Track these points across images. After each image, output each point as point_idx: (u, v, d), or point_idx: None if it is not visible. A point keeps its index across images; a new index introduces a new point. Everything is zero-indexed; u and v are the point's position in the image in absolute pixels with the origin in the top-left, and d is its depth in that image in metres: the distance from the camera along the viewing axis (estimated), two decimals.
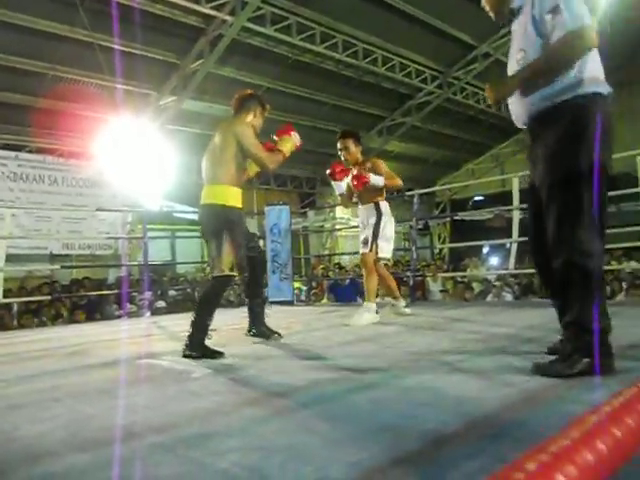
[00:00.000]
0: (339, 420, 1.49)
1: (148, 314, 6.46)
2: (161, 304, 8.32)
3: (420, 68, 11.54)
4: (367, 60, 10.55)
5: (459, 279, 8.63)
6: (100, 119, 8.97)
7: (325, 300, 8.82)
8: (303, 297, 8.72)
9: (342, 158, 4.28)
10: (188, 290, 10.21)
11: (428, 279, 8.54)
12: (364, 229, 4.30)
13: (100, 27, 7.71)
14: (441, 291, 8.59)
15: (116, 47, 7.89)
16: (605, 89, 1.93)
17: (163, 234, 11.95)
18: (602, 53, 1.96)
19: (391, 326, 3.79)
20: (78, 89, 8.81)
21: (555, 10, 1.89)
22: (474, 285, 8.40)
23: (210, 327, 2.88)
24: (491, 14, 2.20)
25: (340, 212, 15.79)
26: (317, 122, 12.24)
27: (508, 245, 8.72)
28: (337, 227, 13.87)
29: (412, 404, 1.62)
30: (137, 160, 9.46)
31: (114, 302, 8.11)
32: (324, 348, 2.90)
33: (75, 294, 8.29)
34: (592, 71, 1.92)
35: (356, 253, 11.72)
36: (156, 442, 1.40)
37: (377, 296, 4.54)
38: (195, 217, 11.63)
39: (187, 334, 2.85)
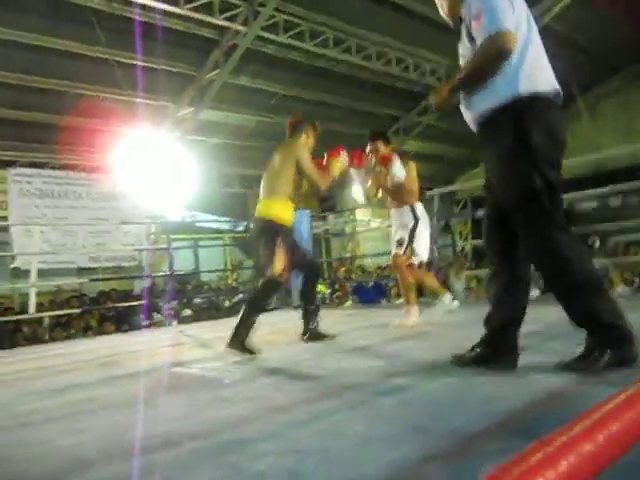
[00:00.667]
0: (371, 422, 1.53)
1: (175, 323, 6.55)
2: (187, 312, 8.44)
3: (433, 66, 11.52)
4: (381, 61, 10.57)
5: (483, 276, 8.57)
6: (120, 133, 9.14)
7: (349, 302, 8.84)
8: (327, 300, 8.87)
9: (372, 160, 4.24)
10: (212, 298, 10.35)
11: (451, 277, 8.50)
12: (399, 229, 4.23)
13: (117, 43, 7.88)
14: (465, 289, 8.55)
15: (134, 62, 8.06)
16: (546, 88, 1.93)
17: (186, 244, 12.10)
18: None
19: (416, 327, 3.80)
20: (98, 105, 8.98)
21: (477, 16, 1.92)
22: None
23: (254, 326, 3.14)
24: (448, 20, 2.24)
25: (360, 215, 15.81)
26: (333, 125, 12.27)
27: None
28: (358, 229, 13.91)
29: (439, 405, 1.65)
30: (157, 171, 9.63)
31: (141, 312, 8.24)
32: (350, 351, 2.94)
33: (103, 306, 8.45)
34: (530, 72, 1.91)
35: (379, 255, 11.76)
36: (193, 449, 1.45)
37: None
38: (217, 225, 11.80)
39: (234, 328, 3.11)
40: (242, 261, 14.00)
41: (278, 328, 4.17)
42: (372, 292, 8.97)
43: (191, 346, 4.18)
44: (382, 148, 4.20)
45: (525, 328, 2.11)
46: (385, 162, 4.05)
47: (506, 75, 1.91)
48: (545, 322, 3.06)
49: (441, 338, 3.19)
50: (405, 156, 4.36)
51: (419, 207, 4.23)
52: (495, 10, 1.89)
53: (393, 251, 4.18)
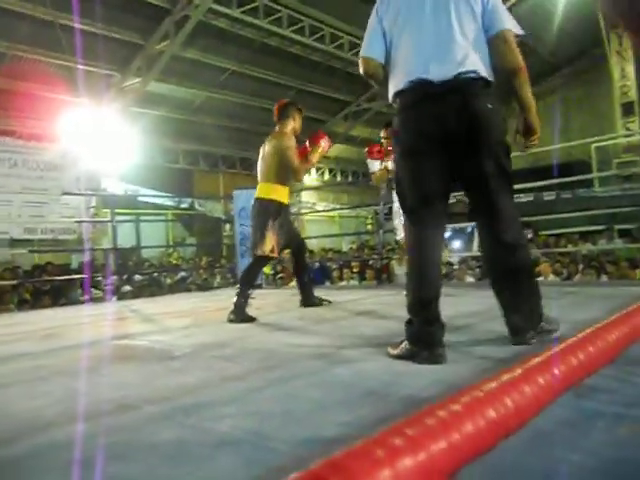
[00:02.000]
0: (327, 389, 1.59)
1: (114, 299, 6.43)
2: (127, 289, 8.26)
3: None
4: (334, 45, 10.59)
5: None
6: (61, 101, 8.78)
7: (293, 283, 8.94)
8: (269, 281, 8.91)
9: (385, 147, 4.30)
10: (154, 275, 10.15)
11: (393, 262, 8.68)
12: (398, 212, 4.35)
13: (62, 5, 7.53)
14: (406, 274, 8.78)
15: (77, 26, 7.73)
16: (403, 84, 2.05)
17: (128, 219, 11.79)
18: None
19: (362, 306, 3.91)
20: (38, 69, 8.59)
21: None
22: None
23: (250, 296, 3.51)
24: None
25: (306, 197, 15.87)
26: None
27: (469, 229, 8.97)
28: (303, 211, 13.98)
29: (393, 374, 1.73)
30: (100, 143, 9.32)
31: (79, 287, 8.00)
32: (300, 327, 3.00)
33: (40, 279, 8.16)
34: (395, 76, 2.11)
35: (324, 237, 11.83)
36: (151, 412, 1.47)
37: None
38: (160, 201, 11.58)
39: (233, 302, 3.45)
40: (184, 238, 13.80)
41: (224, 306, 4.18)
42: (316, 273, 9.01)
43: (135, 320, 4.13)
44: None
45: (467, 309, 2.24)
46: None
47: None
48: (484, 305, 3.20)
49: (388, 318, 3.30)
50: None
51: None
52: (366, 34, 2.24)
53: (402, 234, 4.30)
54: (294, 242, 3.89)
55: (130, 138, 9.96)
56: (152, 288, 9.05)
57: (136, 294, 7.96)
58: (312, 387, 1.62)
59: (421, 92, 1.99)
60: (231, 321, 3.36)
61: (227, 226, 11.68)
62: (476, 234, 6.36)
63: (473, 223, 6.14)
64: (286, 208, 3.75)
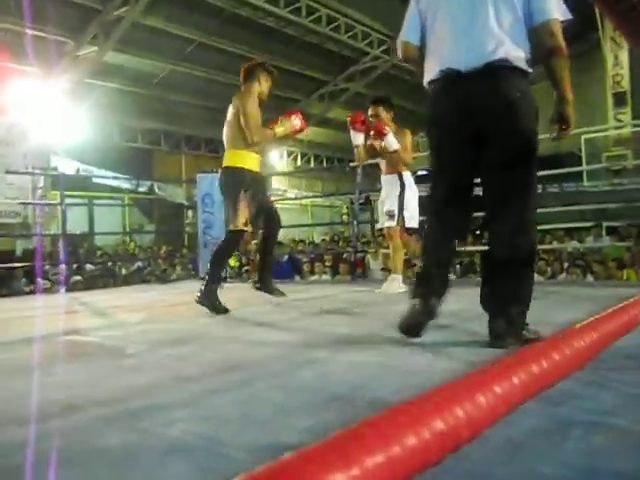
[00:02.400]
0: (290, 392, 1.61)
1: (63, 290, 6.35)
2: (77, 279, 8.16)
3: (366, 30, 11.65)
4: (310, 18, 10.54)
5: None
6: (7, 68, 8.56)
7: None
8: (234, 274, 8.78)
9: (372, 125, 4.40)
10: (108, 264, 10.03)
11: (369, 256, 8.71)
12: (386, 199, 4.52)
13: None
14: (382, 269, 8.79)
15: None
16: (434, 74, 2.21)
17: (80, 201, 11.61)
18: None
19: (335, 303, 3.91)
20: None
21: None
22: (417, 263, 8.70)
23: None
24: None
25: (276, 183, 15.82)
26: None
27: None
28: (272, 199, 13.92)
29: (360, 376, 1.75)
30: (50, 117, 9.13)
31: (23, 276, 7.87)
32: (266, 324, 3.00)
33: None
34: (428, 62, 2.26)
35: (294, 227, 11.82)
36: (100, 414, 1.46)
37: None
38: (116, 183, 11.43)
39: (203, 283, 3.41)
40: (142, 225, 13.63)
41: (184, 300, 4.16)
42: (285, 267, 8.97)
43: (86, 314, 4.10)
44: (383, 114, 4.45)
45: (444, 308, 2.27)
46: (378, 133, 4.28)
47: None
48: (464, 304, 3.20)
49: (361, 315, 3.33)
50: (400, 129, 4.57)
51: (408, 176, 4.53)
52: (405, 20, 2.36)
53: (385, 223, 4.50)
54: (265, 211, 3.72)
55: (84, 113, 9.79)
56: (105, 279, 8.96)
57: (87, 285, 7.87)
58: (274, 390, 1.64)
59: (450, 81, 2.14)
60: (201, 304, 3.33)
61: (189, 213, 11.55)
62: None
63: None
64: (257, 176, 3.64)
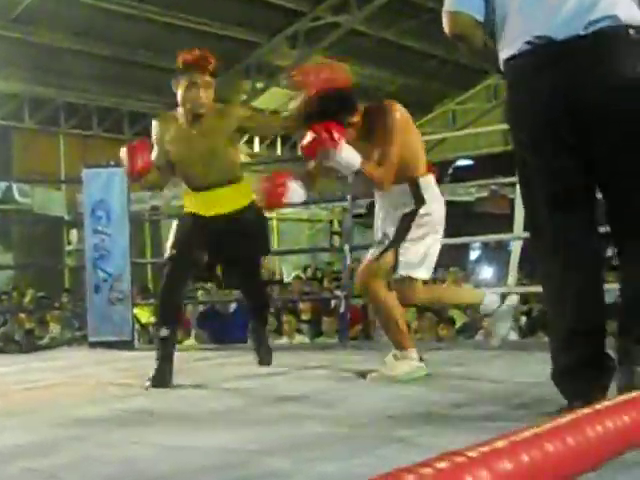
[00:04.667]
0: None
1: None
2: None
3: None
4: None
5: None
6: None
7: (191, 340, 6.62)
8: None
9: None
10: None
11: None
12: (386, 220, 3.17)
13: None
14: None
15: None
16: (516, 47, 1.85)
17: None
18: None
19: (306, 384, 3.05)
20: None
21: None
22: (454, 315, 6.30)
23: None
24: None
25: None
26: (200, 25, 9.51)
27: (510, 246, 6.52)
28: None
29: None
30: None
31: None
32: (194, 417, 2.38)
33: None
34: (506, 38, 1.92)
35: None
36: None
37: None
38: None
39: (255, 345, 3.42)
40: None
41: (61, 379, 3.53)
42: (232, 323, 6.49)
43: None
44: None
45: (485, 387, 2.30)
46: (309, 150, 3.01)
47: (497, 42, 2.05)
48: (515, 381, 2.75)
49: (349, 403, 2.56)
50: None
51: (427, 184, 3.11)
52: None
53: (367, 256, 3.31)
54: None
55: None
56: None
57: None
58: None
59: (542, 56, 1.81)
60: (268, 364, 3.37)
61: (73, 233, 9.31)
62: (515, 253, 4.85)
63: (513, 235, 4.78)
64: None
